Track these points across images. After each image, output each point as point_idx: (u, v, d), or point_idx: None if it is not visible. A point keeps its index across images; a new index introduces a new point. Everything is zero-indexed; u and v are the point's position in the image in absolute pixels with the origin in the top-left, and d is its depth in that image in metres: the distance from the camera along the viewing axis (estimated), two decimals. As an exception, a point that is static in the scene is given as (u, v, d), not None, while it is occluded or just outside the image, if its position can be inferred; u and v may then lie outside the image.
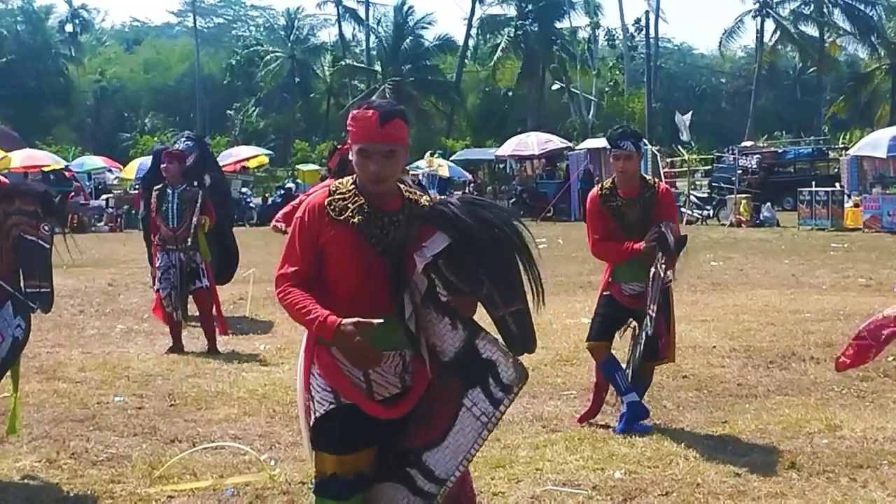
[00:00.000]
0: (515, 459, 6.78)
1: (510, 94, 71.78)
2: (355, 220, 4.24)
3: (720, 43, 70.56)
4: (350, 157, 4.34)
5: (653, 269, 7.27)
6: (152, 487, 6.28)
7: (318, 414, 4.31)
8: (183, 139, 13.70)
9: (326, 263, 4.28)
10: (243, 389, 9.07)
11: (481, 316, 4.26)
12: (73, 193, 37.37)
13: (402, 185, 4.43)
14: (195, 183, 11.28)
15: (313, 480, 4.47)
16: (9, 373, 6.65)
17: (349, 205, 4.27)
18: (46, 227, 6.39)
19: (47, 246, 6.42)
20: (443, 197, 4.42)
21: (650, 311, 7.28)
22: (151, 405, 8.57)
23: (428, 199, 4.44)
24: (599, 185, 7.82)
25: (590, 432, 7.51)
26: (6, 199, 6.42)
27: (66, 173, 39.91)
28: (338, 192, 4.32)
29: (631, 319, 7.67)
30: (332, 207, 4.28)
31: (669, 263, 7.25)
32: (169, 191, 11.05)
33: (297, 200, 9.55)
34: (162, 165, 11.34)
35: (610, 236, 7.49)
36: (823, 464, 6.63)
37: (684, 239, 7.40)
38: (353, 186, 4.33)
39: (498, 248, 4.17)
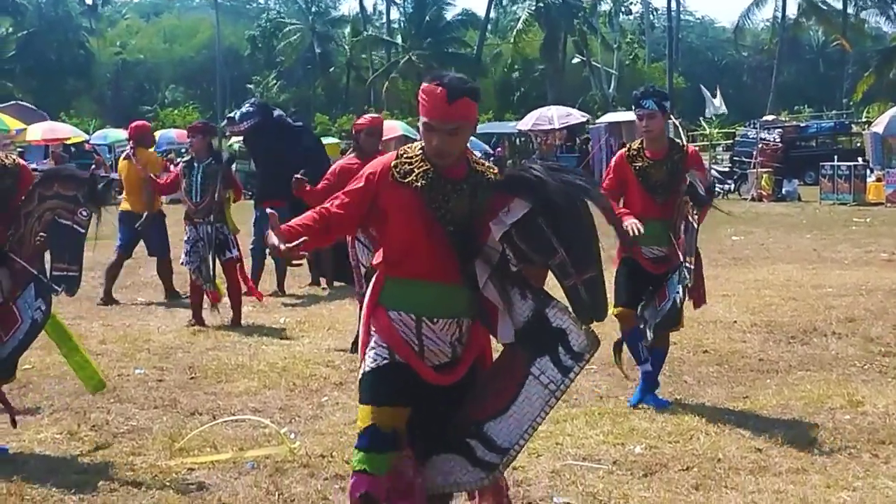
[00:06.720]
0: (535, 434, 6.74)
1: (531, 67, 71.48)
2: (418, 183, 4.27)
3: (736, 26, 69.93)
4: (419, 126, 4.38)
5: (683, 222, 7.23)
6: (172, 460, 6.30)
7: (367, 368, 4.36)
8: (247, 104, 13.63)
9: (387, 226, 4.34)
10: (263, 362, 9.08)
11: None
12: (93, 166, 37.53)
13: (469, 155, 4.45)
14: (220, 158, 11.25)
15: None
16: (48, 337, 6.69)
17: (414, 169, 4.30)
18: (84, 212, 6.34)
19: (82, 231, 6.38)
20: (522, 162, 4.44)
21: (687, 263, 7.19)
22: (172, 378, 8.59)
23: (495, 169, 4.47)
24: (628, 146, 7.77)
25: (610, 407, 7.49)
26: (45, 184, 6.42)
27: (86, 146, 40.02)
28: (405, 155, 4.36)
29: (650, 287, 7.58)
30: (397, 170, 4.31)
31: (702, 213, 7.25)
32: (195, 164, 11.05)
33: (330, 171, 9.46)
34: (187, 139, 11.37)
35: (614, 197, 7.42)
36: (845, 440, 6.60)
37: (712, 185, 7.38)
38: (420, 152, 4.35)
39: (578, 215, 4.20)
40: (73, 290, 6.55)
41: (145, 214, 12.71)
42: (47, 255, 6.48)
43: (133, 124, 13.70)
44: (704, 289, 7.68)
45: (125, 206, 13.11)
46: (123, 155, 13.55)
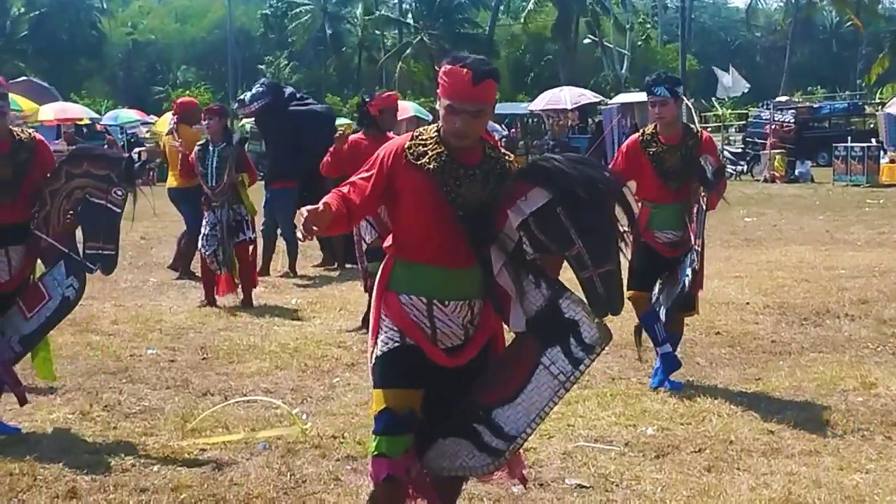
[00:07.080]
0: (547, 415, 6.74)
1: (543, 48, 71.28)
2: (431, 166, 4.24)
3: (749, 6, 69.64)
4: (437, 108, 4.34)
5: (696, 206, 7.27)
6: (184, 440, 6.30)
7: (379, 352, 4.35)
8: (257, 85, 13.71)
9: (399, 208, 4.32)
10: (275, 343, 9.09)
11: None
12: (105, 146, 37.52)
13: (488, 140, 4.42)
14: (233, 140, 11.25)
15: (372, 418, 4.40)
16: None
17: (428, 151, 4.27)
18: (119, 192, 6.35)
19: (118, 210, 6.37)
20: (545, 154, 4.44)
21: (696, 246, 7.24)
22: (184, 358, 8.61)
23: (510, 157, 4.44)
24: (641, 131, 7.75)
25: (622, 389, 7.48)
26: (73, 162, 6.44)
27: (98, 126, 40.03)
28: (420, 137, 4.33)
29: (666, 271, 7.58)
30: (411, 152, 4.28)
31: (712, 196, 7.27)
32: (210, 148, 11.04)
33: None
34: (203, 122, 11.32)
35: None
36: (858, 422, 6.58)
37: (722, 168, 7.46)
38: (435, 134, 4.32)
39: (600, 207, 4.18)
40: (109, 269, 6.54)
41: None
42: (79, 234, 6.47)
43: (179, 100, 13.72)
44: (703, 275, 7.67)
45: (171, 182, 13.03)
46: (167, 130, 13.53)
